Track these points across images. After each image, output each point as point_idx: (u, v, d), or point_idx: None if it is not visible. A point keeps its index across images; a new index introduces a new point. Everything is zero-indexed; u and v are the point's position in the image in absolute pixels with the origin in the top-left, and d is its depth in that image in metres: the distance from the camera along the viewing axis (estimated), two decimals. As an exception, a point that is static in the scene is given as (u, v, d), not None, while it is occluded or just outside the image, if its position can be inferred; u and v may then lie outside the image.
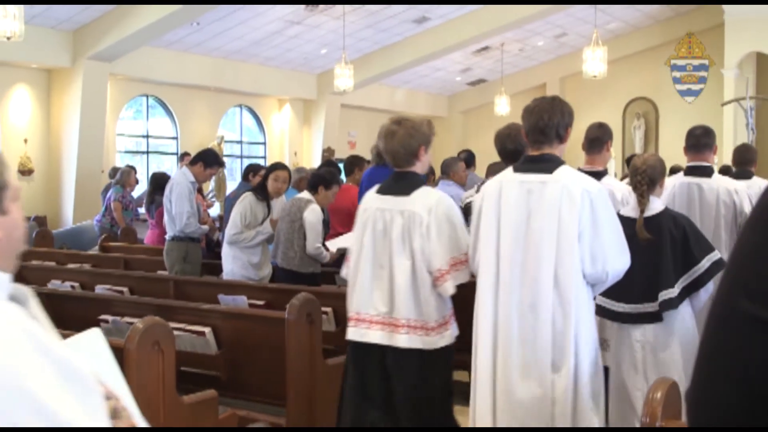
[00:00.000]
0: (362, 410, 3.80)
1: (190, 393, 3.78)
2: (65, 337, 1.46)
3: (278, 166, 6.86)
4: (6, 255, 1.40)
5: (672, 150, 17.79)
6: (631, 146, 18.48)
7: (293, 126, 17.82)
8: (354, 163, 7.48)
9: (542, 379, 3.34)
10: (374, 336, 3.72)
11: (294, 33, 14.77)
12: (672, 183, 4.80)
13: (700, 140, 4.77)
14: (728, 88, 16.68)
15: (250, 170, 8.43)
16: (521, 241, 3.43)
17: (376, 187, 3.97)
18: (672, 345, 3.92)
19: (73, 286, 6.62)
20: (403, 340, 3.66)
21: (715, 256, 3.93)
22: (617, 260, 3.40)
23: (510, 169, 3.65)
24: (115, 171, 11.47)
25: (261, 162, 16.34)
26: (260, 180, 6.80)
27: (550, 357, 3.34)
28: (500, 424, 3.43)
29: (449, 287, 3.67)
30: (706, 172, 4.80)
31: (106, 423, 1.30)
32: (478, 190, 6.70)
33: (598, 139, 4.64)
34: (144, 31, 12.08)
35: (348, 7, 13.69)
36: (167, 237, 7.20)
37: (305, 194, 6.42)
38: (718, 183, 4.83)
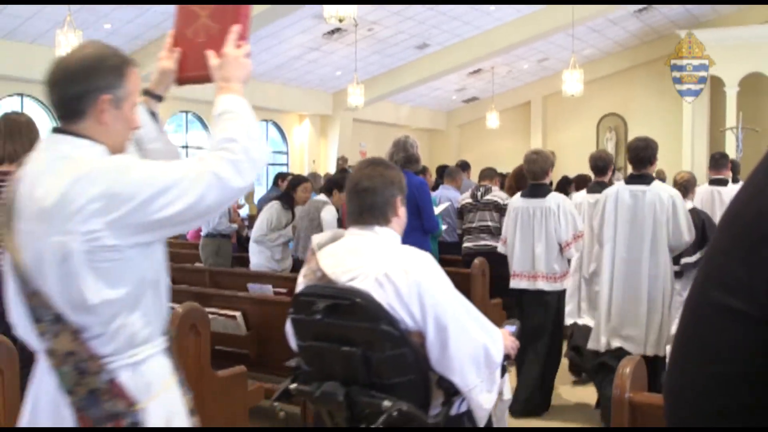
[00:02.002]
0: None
1: (223, 369, 3.78)
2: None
3: (304, 179, 6.92)
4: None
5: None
6: (603, 155, 18.43)
7: (312, 138, 17.82)
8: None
9: (638, 305, 4.53)
10: (523, 284, 5.14)
11: (313, 58, 14.78)
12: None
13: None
14: (686, 109, 16.64)
15: (279, 177, 8.46)
16: (630, 224, 4.60)
17: (519, 193, 5.32)
18: (685, 292, 4.84)
19: (122, 276, 6.63)
20: (541, 284, 5.06)
21: None
22: (687, 236, 4.54)
23: (622, 181, 4.81)
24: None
25: (284, 169, 16.37)
26: (286, 190, 6.82)
27: (646, 292, 4.51)
28: (611, 338, 4.63)
29: (572, 252, 5.11)
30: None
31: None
32: (471, 195, 6.74)
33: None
34: (184, 56, 12.09)
35: (359, 35, 13.69)
36: (202, 234, 7.22)
37: (322, 196, 6.43)
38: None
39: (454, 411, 2.47)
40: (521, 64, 17.68)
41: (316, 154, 17.84)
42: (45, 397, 1.82)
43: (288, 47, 13.97)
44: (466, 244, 6.61)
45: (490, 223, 6.42)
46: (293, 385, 2.71)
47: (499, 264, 5.55)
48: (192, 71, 2.32)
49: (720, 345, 0.95)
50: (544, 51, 16.72)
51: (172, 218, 1.79)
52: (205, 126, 15.55)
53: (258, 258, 6.49)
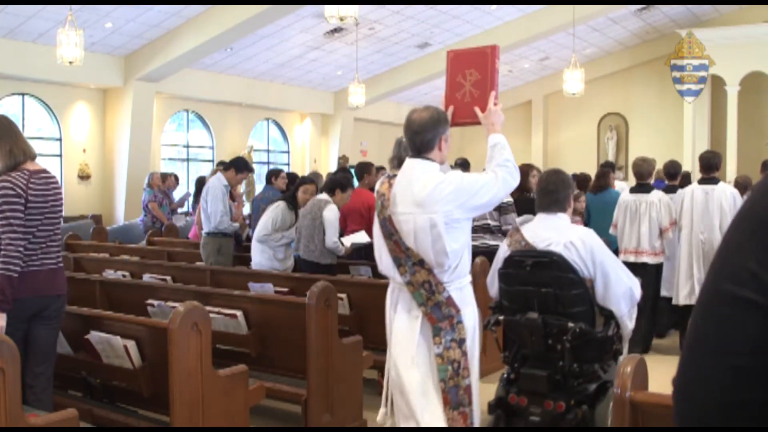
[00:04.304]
0: None
1: (224, 367, 3.78)
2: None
3: (306, 180, 6.90)
4: None
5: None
6: (604, 154, 18.42)
7: (313, 137, 17.82)
8: (363, 169, 7.46)
9: None
10: (630, 258, 6.52)
11: (314, 57, 14.77)
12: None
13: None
14: (687, 108, 16.63)
15: (272, 174, 8.42)
16: (702, 214, 6.44)
17: (628, 189, 7.08)
18: None
19: (124, 275, 6.63)
20: (644, 258, 6.61)
21: None
22: None
23: (696, 182, 6.71)
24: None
25: (285, 168, 16.37)
26: (291, 192, 6.81)
27: None
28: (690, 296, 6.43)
29: (670, 234, 6.61)
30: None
31: None
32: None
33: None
34: (185, 55, 12.10)
35: (360, 34, 13.69)
36: (203, 233, 7.21)
37: (324, 196, 6.42)
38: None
39: (610, 332, 3.74)
40: (522, 63, 17.67)
41: (317, 154, 17.84)
42: (402, 304, 3.29)
43: (289, 46, 13.96)
44: (467, 243, 6.62)
45: (490, 222, 6.39)
46: (501, 317, 3.94)
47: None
48: (462, 119, 3.60)
49: (733, 337, 0.95)
50: (545, 50, 16.71)
51: (484, 204, 3.34)
52: (205, 125, 15.54)
53: (260, 257, 6.48)
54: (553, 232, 3.82)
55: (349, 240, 6.43)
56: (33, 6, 10.27)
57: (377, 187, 3.51)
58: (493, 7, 13.58)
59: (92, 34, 11.28)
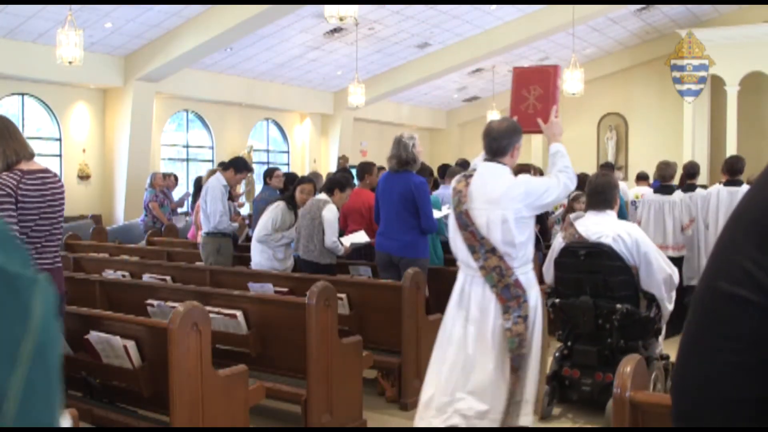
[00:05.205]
0: None
1: (224, 367, 3.78)
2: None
3: (304, 180, 6.90)
4: None
5: (639, 157, 17.78)
6: (604, 155, 18.43)
7: (313, 137, 17.82)
8: (365, 169, 7.45)
9: None
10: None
11: (314, 57, 14.78)
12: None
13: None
14: (687, 108, 16.63)
15: (267, 174, 8.42)
16: (727, 213, 7.39)
17: (650, 190, 7.98)
18: None
19: (123, 275, 6.63)
20: (671, 252, 6.82)
21: None
22: None
23: (722, 183, 7.38)
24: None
25: (285, 168, 16.37)
26: (291, 192, 6.81)
27: None
28: None
29: (690, 231, 7.26)
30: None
31: None
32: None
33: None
34: (185, 55, 12.10)
35: (360, 35, 13.69)
36: (203, 232, 7.20)
37: (323, 195, 6.42)
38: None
39: (652, 313, 4.46)
40: (522, 63, 17.64)
41: (317, 154, 17.84)
42: (475, 288, 3.83)
43: (289, 46, 13.96)
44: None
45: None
46: (557, 300, 4.68)
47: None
48: (525, 128, 4.05)
49: (728, 335, 0.96)
50: (545, 50, 16.71)
51: (548, 204, 3.96)
52: (205, 125, 15.54)
53: (260, 257, 6.48)
54: (603, 226, 4.54)
55: (348, 240, 6.43)
56: (33, 6, 10.27)
57: (453, 184, 4.01)
58: (493, 7, 13.58)
59: (92, 34, 11.28)
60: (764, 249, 0.93)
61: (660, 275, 4.35)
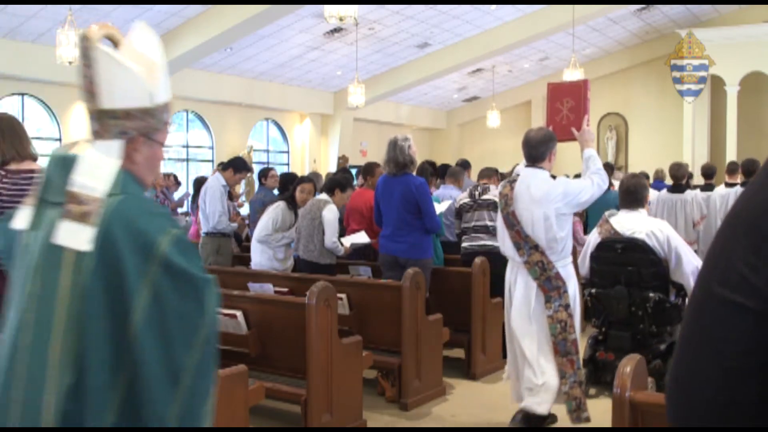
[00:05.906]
0: None
1: (224, 367, 3.78)
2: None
3: (304, 180, 6.90)
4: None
5: (639, 157, 17.80)
6: (604, 155, 18.42)
7: (313, 137, 17.82)
8: (368, 170, 7.45)
9: None
10: None
11: (314, 57, 14.78)
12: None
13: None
14: (687, 108, 16.64)
15: (262, 174, 8.41)
16: None
17: (666, 189, 8.20)
18: None
19: (123, 275, 6.61)
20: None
21: None
22: None
23: (739, 185, 7.91)
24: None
25: (285, 168, 16.37)
26: (291, 192, 6.81)
27: None
28: None
29: (701, 227, 7.73)
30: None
31: None
32: (469, 194, 6.75)
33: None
34: (185, 56, 12.10)
35: (360, 34, 13.69)
36: (202, 232, 7.21)
37: (323, 196, 6.42)
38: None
39: (680, 301, 4.91)
40: (522, 63, 17.68)
41: (317, 154, 17.84)
42: (521, 278, 4.39)
43: (289, 46, 13.96)
44: (464, 244, 6.59)
45: (488, 223, 6.39)
46: (594, 290, 5.14)
47: (498, 263, 5.55)
48: (561, 137, 4.49)
49: (723, 339, 0.96)
50: (545, 50, 16.71)
51: (584, 203, 4.39)
52: (205, 125, 15.54)
53: (260, 257, 6.48)
54: (636, 223, 5.00)
55: (348, 240, 6.43)
56: (33, 6, 10.27)
57: (500, 189, 4.56)
58: (493, 7, 13.58)
59: (92, 34, 11.27)
60: (760, 253, 0.93)
61: (688, 268, 4.76)
